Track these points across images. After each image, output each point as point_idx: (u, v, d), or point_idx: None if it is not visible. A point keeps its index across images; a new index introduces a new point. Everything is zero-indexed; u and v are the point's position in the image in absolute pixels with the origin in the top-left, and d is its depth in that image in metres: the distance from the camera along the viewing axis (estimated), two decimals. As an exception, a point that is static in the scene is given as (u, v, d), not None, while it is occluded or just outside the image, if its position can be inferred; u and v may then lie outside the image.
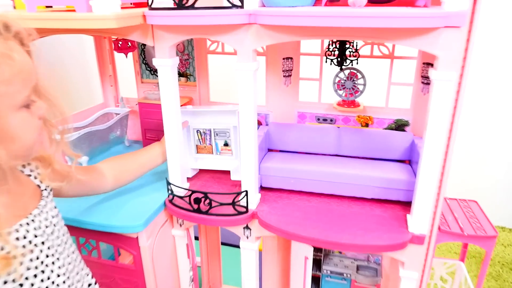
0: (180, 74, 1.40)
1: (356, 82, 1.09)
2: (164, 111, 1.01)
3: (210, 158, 1.11)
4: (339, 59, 1.01)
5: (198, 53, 1.21)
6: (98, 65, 1.36)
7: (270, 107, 1.14)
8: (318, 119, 1.21)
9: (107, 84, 1.38)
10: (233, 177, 1.06)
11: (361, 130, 1.14)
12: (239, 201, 0.92)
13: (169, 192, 1.06)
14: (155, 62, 0.88)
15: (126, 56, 1.25)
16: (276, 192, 1.04)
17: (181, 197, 0.97)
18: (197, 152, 1.11)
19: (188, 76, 1.40)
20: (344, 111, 1.17)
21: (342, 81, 1.05)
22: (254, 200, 0.95)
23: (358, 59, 1.03)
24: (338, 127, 1.15)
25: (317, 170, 0.98)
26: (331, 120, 1.21)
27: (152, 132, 1.26)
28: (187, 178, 1.07)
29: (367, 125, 1.18)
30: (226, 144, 1.09)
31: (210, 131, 1.08)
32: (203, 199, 0.93)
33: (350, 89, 1.12)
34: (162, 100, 0.99)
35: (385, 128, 1.08)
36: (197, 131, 1.09)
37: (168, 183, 1.05)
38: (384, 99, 1.06)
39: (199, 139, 1.10)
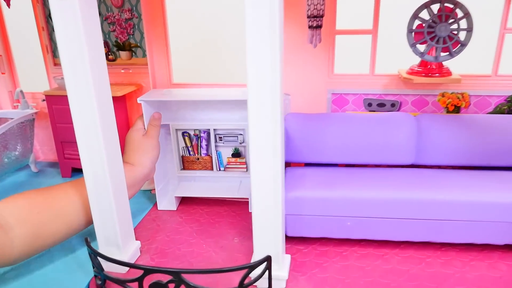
0: (119, 46, 0.83)
1: (454, 26, 0.57)
2: (74, 106, 0.46)
3: (207, 178, 0.74)
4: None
5: (148, 8, 0.76)
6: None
7: (287, 86, 0.71)
8: (369, 105, 0.68)
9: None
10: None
11: (458, 118, 0.62)
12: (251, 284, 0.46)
13: (95, 271, 0.49)
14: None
15: (9, 6, 0.66)
16: (313, 246, 0.61)
17: (121, 283, 0.47)
18: (183, 168, 0.72)
19: (132, 49, 0.83)
20: (418, 86, 0.65)
21: (428, 25, 0.55)
22: (282, 272, 0.51)
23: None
24: (414, 116, 0.63)
25: (393, 199, 0.57)
26: (393, 105, 0.68)
27: (73, 146, 0.83)
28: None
29: (457, 109, 0.66)
30: (237, 154, 0.71)
31: (208, 133, 0.69)
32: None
33: (443, 39, 0.60)
34: (67, 84, 0.44)
35: (491, 113, 0.69)
36: (183, 133, 0.69)
37: (93, 252, 0.48)
38: (490, 63, 0.66)
39: (186, 146, 0.70)
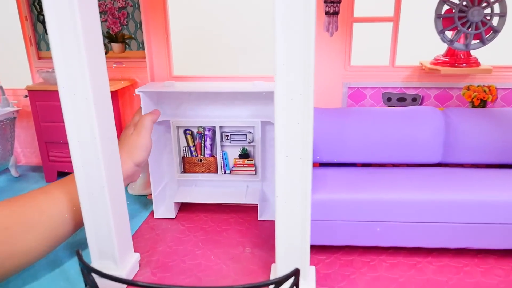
0: (111, 38, 0.76)
1: (487, 11, 0.53)
2: (65, 101, 0.39)
3: (211, 182, 0.67)
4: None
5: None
6: None
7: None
8: (389, 99, 0.63)
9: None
10: (263, 216, 0.63)
11: (489, 112, 0.58)
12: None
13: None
14: None
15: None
16: (335, 256, 0.54)
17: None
18: (183, 171, 0.64)
19: (126, 41, 0.76)
20: (441, 79, 0.60)
21: (459, 10, 0.53)
22: (309, 287, 0.45)
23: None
24: (441, 110, 0.57)
25: (428, 201, 0.51)
26: (414, 100, 0.63)
27: (59, 147, 0.75)
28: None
29: (483, 103, 0.61)
30: (244, 155, 0.63)
31: (214, 131, 0.62)
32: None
33: (475, 25, 0.54)
34: (58, 75, 0.37)
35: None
36: (185, 131, 0.63)
37: (85, 268, 0.40)
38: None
39: (188, 145, 0.64)
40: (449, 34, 0.57)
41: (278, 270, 0.43)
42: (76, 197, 0.45)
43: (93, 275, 0.41)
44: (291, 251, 0.42)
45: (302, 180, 0.40)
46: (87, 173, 0.42)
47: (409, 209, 0.50)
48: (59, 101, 0.40)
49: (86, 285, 0.42)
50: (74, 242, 0.56)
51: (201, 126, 0.62)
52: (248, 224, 0.62)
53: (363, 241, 0.52)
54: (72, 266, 0.52)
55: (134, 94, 0.62)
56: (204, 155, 0.63)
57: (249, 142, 0.62)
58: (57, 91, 0.40)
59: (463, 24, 0.54)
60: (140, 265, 0.51)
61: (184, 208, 0.67)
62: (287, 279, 0.38)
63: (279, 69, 0.36)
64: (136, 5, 0.74)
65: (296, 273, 0.39)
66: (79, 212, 0.45)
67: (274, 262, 0.52)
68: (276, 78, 0.37)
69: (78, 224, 0.48)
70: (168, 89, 0.57)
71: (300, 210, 0.41)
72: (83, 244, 0.47)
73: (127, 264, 0.48)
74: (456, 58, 0.58)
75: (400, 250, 0.54)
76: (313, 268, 0.47)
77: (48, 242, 0.46)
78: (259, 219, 0.63)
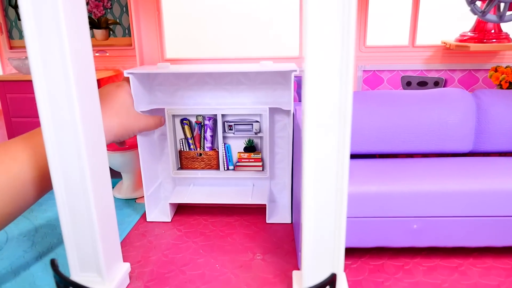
0: (93, 24, 0.68)
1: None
2: (40, 91, 0.31)
3: (211, 179, 0.58)
4: None
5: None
6: None
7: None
8: (408, 84, 0.56)
9: None
10: (271, 218, 0.55)
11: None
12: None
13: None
14: None
15: None
16: (362, 260, 0.46)
17: None
18: (180, 168, 0.57)
19: (110, 27, 0.67)
20: (467, 60, 0.54)
21: None
22: None
23: None
24: (472, 93, 0.51)
25: (469, 192, 0.43)
26: (436, 84, 0.56)
27: None
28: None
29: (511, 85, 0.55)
30: (250, 148, 0.56)
31: (215, 120, 0.54)
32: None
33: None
34: (32, 62, 0.29)
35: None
36: (182, 120, 0.55)
37: (63, 281, 0.31)
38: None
39: (186, 137, 0.55)
40: (479, 5, 0.51)
41: (305, 277, 0.35)
42: (41, 154, 0.37)
43: (72, 290, 0.32)
44: (321, 254, 0.34)
45: (339, 175, 0.32)
46: (65, 172, 0.33)
47: (454, 202, 0.42)
48: (33, 92, 0.32)
49: (62, 304, 0.33)
50: (45, 251, 0.47)
51: (200, 115, 0.53)
52: (256, 227, 0.53)
53: (396, 242, 0.44)
54: (45, 281, 0.42)
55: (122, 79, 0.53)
56: (203, 148, 0.55)
57: (256, 133, 0.54)
58: (31, 81, 0.31)
59: (496, -8, 0.49)
60: (130, 278, 0.42)
61: (180, 210, 0.58)
62: (324, 287, 0.30)
63: (310, 50, 0.29)
64: (122, -14, 0.67)
65: (332, 279, 0.31)
66: (46, 173, 0.36)
67: (292, 269, 0.44)
68: (306, 60, 0.29)
69: (44, 188, 0.39)
70: (163, 70, 0.49)
71: (334, 205, 0.33)
72: (59, 256, 0.38)
73: (115, 277, 0.39)
74: (485, 33, 0.52)
75: (435, 251, 0.46)
76: (343, 275, 0.39)
77: (7, 208, 0.37)
78: (267, 222, 0.54)
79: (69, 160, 0.33)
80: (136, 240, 0.50)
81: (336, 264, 0.34)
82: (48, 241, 0.51)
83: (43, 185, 0.39)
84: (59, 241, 0.51)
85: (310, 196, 0.33)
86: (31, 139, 0.39)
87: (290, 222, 0.54)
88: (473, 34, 0.52)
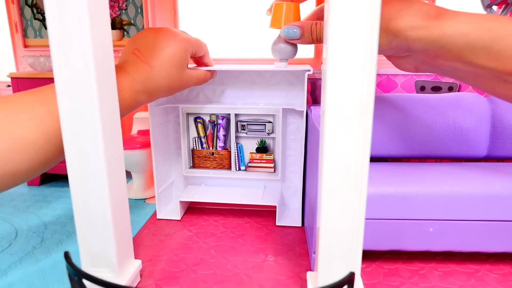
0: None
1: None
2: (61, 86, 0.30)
3: (223, 179, 0.58)
4: None
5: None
6: None
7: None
8: (422, 88, 0.56)
9: None
10: (282, 221, 0.55)
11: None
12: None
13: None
14: None
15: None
16: (376, 263, 0.46)
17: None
18: (192, 166, 0.57)
19: (124, 27, 0.68)
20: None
21: None
22: None
23: None
24: (487, 98, 0.51)
25: (485, 195, 0.42)
26: (450, 89, 0.56)
27: None
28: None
29: (528, 93, 0.54)
30: (262, 148, 0.55)
31: (228, 120, 0.54)
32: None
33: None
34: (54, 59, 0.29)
35: None
36: (196, 119, 0.55)
37: (77, 273, 0.30)
38: None
39: (199, 136, 0.55)
40: (495, 9, 0.51)
41: (320, 278, 0.34)
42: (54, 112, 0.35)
43: (86, 282, 0.32)
44: (338, 254, 0.33)
45: (359, 174, 0.31)
46: (79, 168, 0.33)
47: (471, 205, 0.41)
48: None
49: (75, 298, 0.33)
50: (55, 247, 0.47)
51: (213, 114, 0.53)
52: (266, 229, 0.53)
53: (411, 245, 0.43)
54: (56, 278, 0.42)
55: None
56: (216, 147, 0.55)
57: (268, 133, 0.54)
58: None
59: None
60: (141, 276, 0.42)
61: (190, 211, 0.58)
62: (342, 286, 0.30)
63: (331, 47, 0.28)
64: (138, -13, 0.67)
65: (351, 278, 0.30)
66: (58, 137, 0.35)
67: (304, 271, 0.44)
68: (327, 57, 0.29)
69: (53, 156, 0.36)
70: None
71: (353, 204, 0.32)
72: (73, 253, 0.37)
73: (126, 273, 0.38)
74: None
75: (450, 256, 0.45)
76: (359, 278, 0.38)
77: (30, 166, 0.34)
78: (277, 224, 0.54)
79: (85, 153, 0.33)
80: (146, 240, 0.50)
81: (352, 264, 0.34)
82: (58, 237, 0.50)
83: (59, 150, 0.36)
84: (69, 238, 0.51)
85: (329, 196, 0.32)
86: (44, 94, 0.37)
87: (300, 225, 0.54)
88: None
